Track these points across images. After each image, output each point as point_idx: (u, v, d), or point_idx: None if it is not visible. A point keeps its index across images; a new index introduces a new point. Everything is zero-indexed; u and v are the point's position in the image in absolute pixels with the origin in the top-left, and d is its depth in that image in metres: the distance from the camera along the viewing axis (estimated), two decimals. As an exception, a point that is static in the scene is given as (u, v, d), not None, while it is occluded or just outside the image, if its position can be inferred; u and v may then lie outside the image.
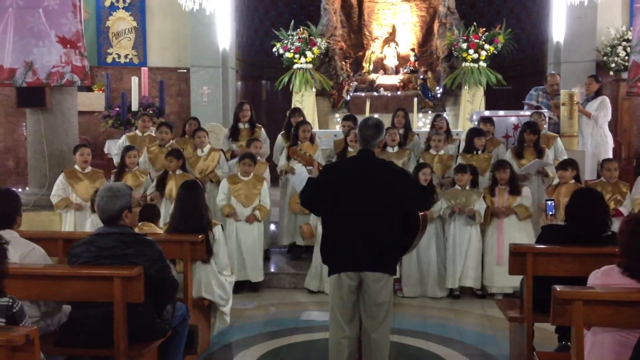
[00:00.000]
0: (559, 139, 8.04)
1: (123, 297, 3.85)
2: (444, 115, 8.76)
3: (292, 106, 11.64)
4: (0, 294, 2.97)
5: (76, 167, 7.23)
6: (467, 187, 7.00)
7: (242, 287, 7.09)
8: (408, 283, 7.05)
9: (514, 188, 6.95)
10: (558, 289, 3.44)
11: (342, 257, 4.20)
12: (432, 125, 8.40)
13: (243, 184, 7.12)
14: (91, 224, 6.13)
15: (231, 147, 8.14)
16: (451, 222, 6.99)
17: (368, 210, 4.14)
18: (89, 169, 7.25)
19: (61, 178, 7.18)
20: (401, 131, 8.09)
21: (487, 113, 8.84)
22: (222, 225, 5.64)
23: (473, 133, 7.72)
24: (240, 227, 7.10)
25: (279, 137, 8.24)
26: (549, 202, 5.78)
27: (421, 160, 7.48)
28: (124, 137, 8.33)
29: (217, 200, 7.16)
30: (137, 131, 8.37)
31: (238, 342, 5.67)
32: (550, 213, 5.69)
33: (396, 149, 7.72)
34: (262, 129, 8.31)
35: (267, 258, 7.87)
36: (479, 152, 7.60)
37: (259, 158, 7.60)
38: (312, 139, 7.91)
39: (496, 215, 6.96)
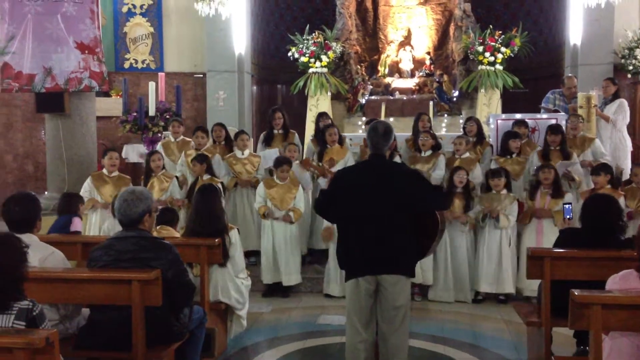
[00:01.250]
0: (597, 140, 7.91)
1: (141, 301, 3.88)
2: (475, 118, 8.66)
3: (308, 110, 11.71)
4: (21, 297, 2.99)
5: (104, 170, 7.33)
6: (503, 192, 6.92)
7: (274, 290, 7.14)
8: (438, 287, 7.02)
9: (556, 191, 6.82)
10: (576, 293, 3.41)
11: (359, 262, 4.20)
12: (463, 129, 8.34)
13: (279, 187, 7.17)
14: (107, 228, 6.20)
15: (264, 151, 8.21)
16: (484, 226, 6.92)
17: (381, 212, 4.14)
18: (115, 173, 7.34)
19: (88, 181, 7.32)
20: None
21: (503, 116, 8.80)
22: (238, 229, 5.66)
23: (508, 136, 7.65)
24: (277, 229, 7.14)
25: (309, 143, 8.30)
26: (567, 206, 5.74)
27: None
28: (159, 145, 8.42)
29: (255, 204, 7.25)
30: (170, 137, 8.45)
31: (255, 346, 5.68)
32: (569, 217, 5.65)
33: (429, 152, 7.69)
34: (296, 135, 8.37)
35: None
36: (514, 155, 7.54)
37: (296, 162, 7.66)
38: (341, 142, 7.92)
39: (535, 215, 6.86)
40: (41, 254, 4.02)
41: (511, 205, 6.87)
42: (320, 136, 8.01)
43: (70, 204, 6.09)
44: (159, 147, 8.35)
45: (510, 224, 6.86)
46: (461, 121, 11.50)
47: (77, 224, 5.94)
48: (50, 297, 3.94)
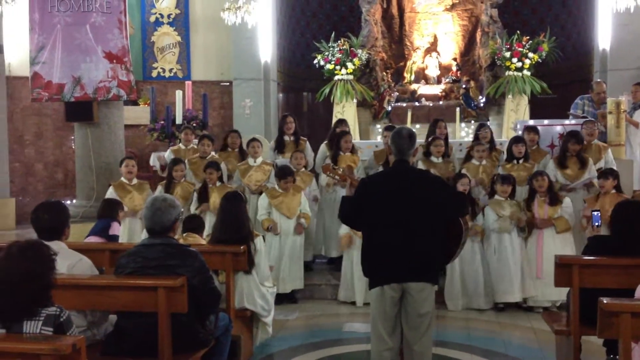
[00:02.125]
0: (610, 149, 7.85)
1: (167, 307, 3.90)
2: (488, 124, 8.61)
3: (334, 117, 11.72)
4: (48, 303, 3.04)
5: (123, 179, 7.41)
6: (507, 198, 6.90)
7: (282, 299, 7.13)
8: (451, 297, 6.95)
9: (553, 198, 6.80)
10: (605, 302, 3.36)
11: (384, 270, 4.18)
12: (476, 136, 8.28)
13: (283, 196, 7.16)
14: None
15: (277, 159, 8.21)
16: (502, 235, 6.83)
17: (408, 219, 4.12)
18: (135, 180, 7.42)
19: (110, 190, 7.38)
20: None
21: (531, 122, 8.71)
22: (263, 236, 5.67)
23: (512, 141, 7.61)
24: (283, 242, 7.13)
25: (322, 146, 8.28)
26: (595, 213, 5.66)
27: (464, 171, 7.41)
28: (169, 150, 8.48)
29: (258, 215, 7.22)
30: (180, 144, 8.51)
31: (280, 353, 5.68)
32: (597, 224, 5.57)
33: (440, 159, 7.67)
34: (307, 142, 8.37)
35: (309, 269, 7.90)
36: (519, 161, 7.47)
37: (303, 170, 7.67)
38: (353, 150, 7.93)
39: (535, 226, 6.82)
40: (69, 261, 4.07)
41: (522, 211, 6.83)
42: (335, 141, 8.01)
43: (111, 209, 6.25)
44: (168, 152, 8.41)
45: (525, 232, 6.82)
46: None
47: (115, 229, 6.11)
48: (78, 303, 3.98)
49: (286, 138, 8.28)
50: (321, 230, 7.95)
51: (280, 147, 8.27)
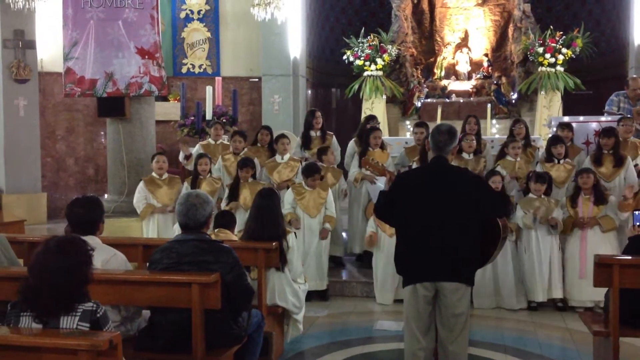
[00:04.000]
0: None
1: (201, 303, 3.88)
2: (523, 120, 8.47)
3: (363, 113, 11.65)
4: (85, 299, 3.03)
5: (154, 174, 7.43)
6: (542, 197, 6.78)
7: (310, 296, 7.10)
8: (481, 294, 6.85)
9: (599, 197, 6.64)
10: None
11: (417, 268, 4.11)
12: (511, 132, 8.16)
13: (308, 194, 7.11)
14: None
15: (303, 155, 8.16)
16: (531, 232, 6.75)
17: (444, 218, 4.04)
18: (165, 175, 7.44)
19: (141, 186, 7.42)
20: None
21: (566, 119, 8.55)
22: (295, 233, 5.64)
23: (550, 142, 7.47)
24: (306, 237, 7.09)
25: (351, 143, 8.22)
26: (637, 213, 5.53)
27: (499, 168, 7.30)
28: (198, 145, 8.49)
29: (283, 211, 7.19)
30: (210, 139, 8.51)
31: (311, 351, 5.64)
32: (638, 224, 5.44)
33: (472, 156, 7.58)
34: (334, 137, 8.31)
35: (341, 264, 7.87)
36: (560, 161, 7.33)
37: (332, 166, 7.61)
38: (382, 146, 7.85)
39: (579, 225, 6.69)
40: (103, 256, 4.07)
41: (557, 208, 6.70)
42: (364, 137, 7.94)
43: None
44: (197, 147, 8.41)
45: (562, 228, 6.68)
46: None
47: None
48: (112, 298, 3.98)
49: (312, 134, 8.23)
50: (350, 226, 7.90)
51: (306, 143, 8.21)
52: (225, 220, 5.58)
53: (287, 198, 7.16)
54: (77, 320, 2.96)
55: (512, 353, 5.50)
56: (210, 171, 7.55)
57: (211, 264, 3.97)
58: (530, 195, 6.83)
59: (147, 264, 4.23)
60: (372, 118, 8.58)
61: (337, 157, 8.14)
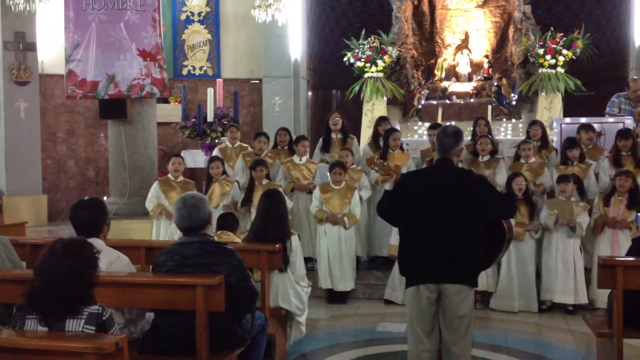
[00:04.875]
0: None
1: (205, 306, 3.88)
2: (540, 121, 8.46)
3: (363, 115, 11.65)
4: (91, 301, 3.02)
5: (169, 176, 7.44)
6: (573, 198, 6.75)
7: (331, 297, 7.14)
8: (501, 296, 6.83)
9: (633, 200, 6.54)
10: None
11: (421, 269, 4.11)
12: (527, 133, 8.15)
13: (334, 192, 7.14)
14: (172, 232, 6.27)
15: (324, 158, 8.14)
16: (553, 234, 6.73)
17: (448, 220, 4.04)
18: (181, 178, 7.45)
19: (155, 186, 7.43)
20: None
21: (567, 120, 8.56)
22: (298, 235, 5.65)
23: (565, 145, 7.44)
24: (329, 234, 7.13)
25: (366, 147, 8.22)
26: (640, 214, 5.54)
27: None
28: (216, 149, 8.49)
29: (311, 207, 7.24)
30: (227, 142, 8.52)
31: (314, 353, 5.65)
32: (643, 226, 5.44)
33: (487, 157, 7.55)
34: (355, 139, 8.30)
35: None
36: (574, 162, 7.31)
37: (353, 166, 7.61)
38: (401, 147, 7.84)
39: (610, 225, 6.63)
40: (107, 259, 4.06)
41: (583, 212, 6.65)
42: (378, 141, 7.91)
43: None
44: (216, 152, 8.42)
45: (583, 232, 6.64)
46: (520, 125, 11.27)
47: None
48: (116, 301, 3.97)
49: (333, 136, 8.22)
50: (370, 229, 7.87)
51: (326, 145, 8.21)
52: (228, 222, 5.59)
53: (316, 194, 7.24)
54: (83, 323, 2.96)
55: (515, 355, 5.50)
56: (224, 173, 7.56)
57: (215, 266, 3.97)
58: (560, 197, 6.80)
59: (151, 266, 4.22)
60: (383, 119, 8.54)
61: (357, 159, 8.09)
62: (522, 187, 6.72)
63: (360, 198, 7.44)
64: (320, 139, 8.52)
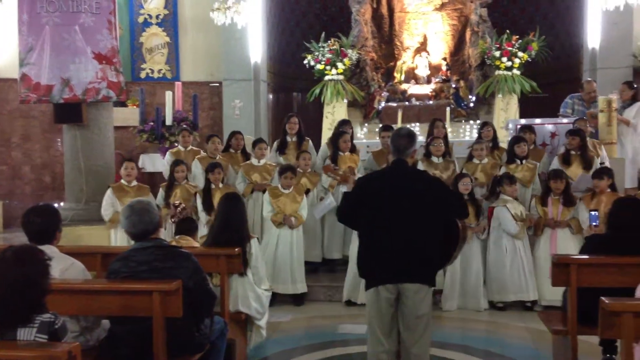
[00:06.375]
0: (603, 146, 7.88)
1: (162, 312, 3.83)
2: (491, 123, 8.62)
3: (324, 117, 11.68)
4: (43, 310, 2.97)
5: (122, 181, 7.34)
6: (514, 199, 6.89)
7: (284, 300, 7.09)
8: (449, 297, 6.91)
9: (568, 199, 6.76)
10: (607, 302, 3.34)
11: (379, 270, 4.15)
12: (479, 134, 8.27)
13: (284, 197, 7.13)
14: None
15: (279, 160, 8.15)
16: (501, 233, 6.83)
17: (405, 220, 4.09)
18: (134, 182, 7.36)
19: (109, 193, 7.31)
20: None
21: (523, 121, 8.72)
22: (257, 238, 5.63)
23: (513, 141, 7.59)
24: (281, 237, 7.11)
25: (324, 146, 8.27)
26: (593, 213, 5.67)
27: (464, 170, 7.39)
28: (168, 153, 8.41)
29: (265, 213, 7.21)
30: (179, 146, 8.46)
31: (275, 356, 5.63)
32: (595, 224, 5.57)
33: (441, 159, 7.63)
34: (310, 141, 8.33)
35: (316, 270, 7.85)
36: (522, 161, 7.44)
37: (309, 170, 7.65)
38: (353, 150, 7.89)
39: (549, 226, 6.80)
40: (61, 265, 4.00)
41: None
42: (335, 141, 7.97)
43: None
44: (168, 155, 8.34)
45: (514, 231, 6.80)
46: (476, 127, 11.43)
47: None
48: (70, 308, 3.90)
49: (288, 139, 8.23)
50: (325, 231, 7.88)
51: (282, 148, 8.23)
52: (186, 226, 5.54)
53: (266, 199, 7.21)
54: (35, 332, 2.91)
55: (474, 353, 5.56)
56: (186, 178, 7.51)
57: (172, 270, 3.93)
58: (503, 196, 6.87)
59: (106, 274, 4.16)
60: (344, 122, 8.63)
61: (315, 161, 8.13)
62: (468, 188, 6.81)
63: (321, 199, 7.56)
64: (276, 142, 8.55)
